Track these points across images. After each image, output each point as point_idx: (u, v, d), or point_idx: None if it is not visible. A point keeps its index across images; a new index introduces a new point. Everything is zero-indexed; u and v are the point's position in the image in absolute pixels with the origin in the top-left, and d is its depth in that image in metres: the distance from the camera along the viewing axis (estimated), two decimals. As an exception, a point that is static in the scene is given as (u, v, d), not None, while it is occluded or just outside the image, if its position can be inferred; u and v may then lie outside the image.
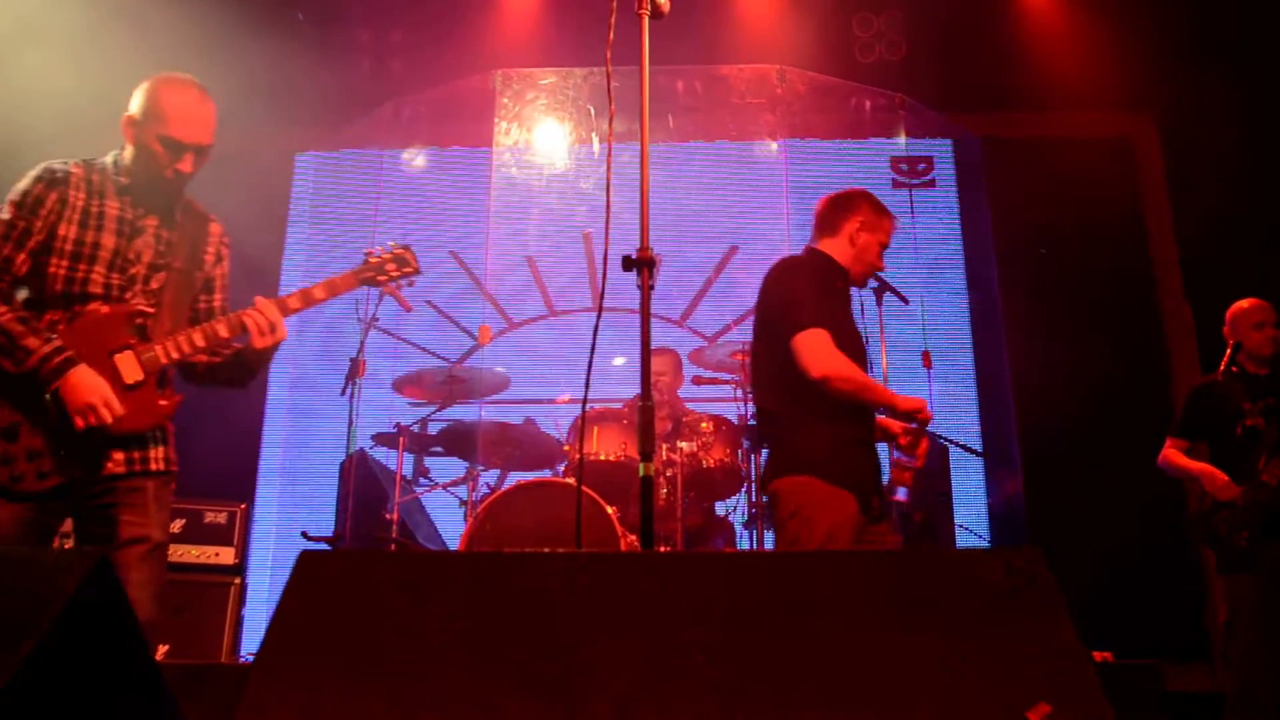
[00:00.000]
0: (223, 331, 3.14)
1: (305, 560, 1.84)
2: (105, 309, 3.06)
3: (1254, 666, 4.56)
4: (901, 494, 3.87)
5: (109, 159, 3.19)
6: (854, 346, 3.74)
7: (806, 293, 3.69)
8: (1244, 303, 5.01)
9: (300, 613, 1.77)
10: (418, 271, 3.56)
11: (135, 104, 3.14)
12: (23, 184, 3.04)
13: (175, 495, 3.25)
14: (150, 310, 3.12)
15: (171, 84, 3.16)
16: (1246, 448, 4.70)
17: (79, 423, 2.90)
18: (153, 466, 3.11)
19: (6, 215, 3.00)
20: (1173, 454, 4.95)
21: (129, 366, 3.03)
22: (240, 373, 3.34)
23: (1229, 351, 4.96)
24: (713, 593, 1.87)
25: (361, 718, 1.61)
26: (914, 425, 3.65)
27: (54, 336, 2.94)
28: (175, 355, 3.09)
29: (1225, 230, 6.70)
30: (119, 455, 3.04)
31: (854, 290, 4.05)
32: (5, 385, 2.92)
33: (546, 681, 1.69)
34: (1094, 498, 6.60)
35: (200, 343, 3.11)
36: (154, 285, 3.14)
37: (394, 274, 3.49)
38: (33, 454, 2.92)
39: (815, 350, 3.55)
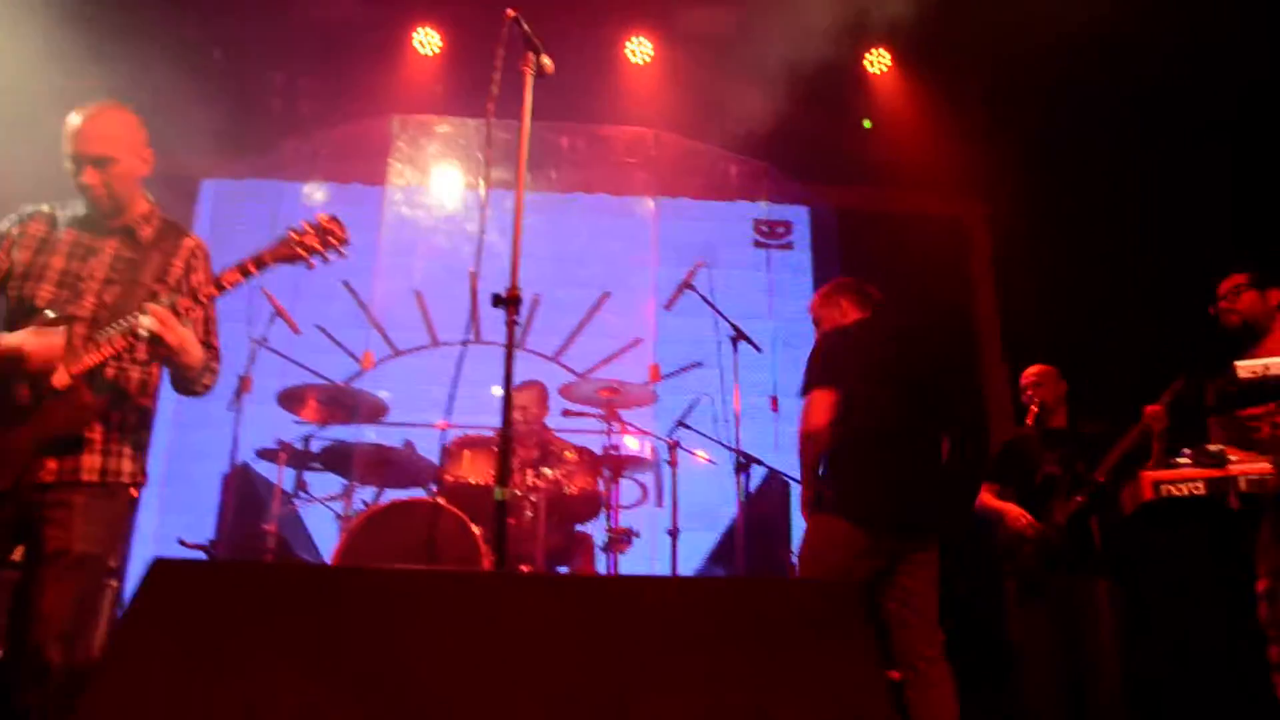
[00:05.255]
0: (128, 337, 3.02)
1: (157, 568, 1.76)
2: (40, 324, 2.99)
3: (1043, 690, 4.73)
4: None
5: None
6: None
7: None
8: (1031, 368, 5.30)
9: (147, 616, 1.70)
10: (345, 241, 3.34)
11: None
12: None
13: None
14: (84, 317, 3.04)
15: (77, 111, 3.17)
16: (1045, 492, 4.91)
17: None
18: (83, 478, 2.98)
19: None
20: (986, 497, 5.15)
21: (57, 374, 2.94)
22: (179, 380, 3.24)
23: (1034, 409, 5.17)
24: (545, 612, 1.85)
25: (190, 716, 1.55)
26: None
27: None
28: (95, 359, 2.98)
29: (1040, 301, 7.00)
30: (52, 464, 2.95)
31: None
32: None
33: (377, 690, 1.65)
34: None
35: (119, 344, 2.99)
36: (107, 299, 3.08)
37: (317, 246, 3.24)
38: None
39: None
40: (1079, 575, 4.77)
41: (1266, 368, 3.60)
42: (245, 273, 3.13)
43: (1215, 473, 3.57)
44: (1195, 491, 3.57)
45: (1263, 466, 3.53)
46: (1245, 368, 3.64)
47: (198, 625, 1.69)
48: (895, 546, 3.76)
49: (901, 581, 3.79)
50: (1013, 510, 4.95)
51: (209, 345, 3.30)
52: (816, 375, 3.92)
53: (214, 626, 1.70)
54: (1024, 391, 5.26)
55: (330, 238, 3.25)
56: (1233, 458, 3.61)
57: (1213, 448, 3.64)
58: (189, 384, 3.22)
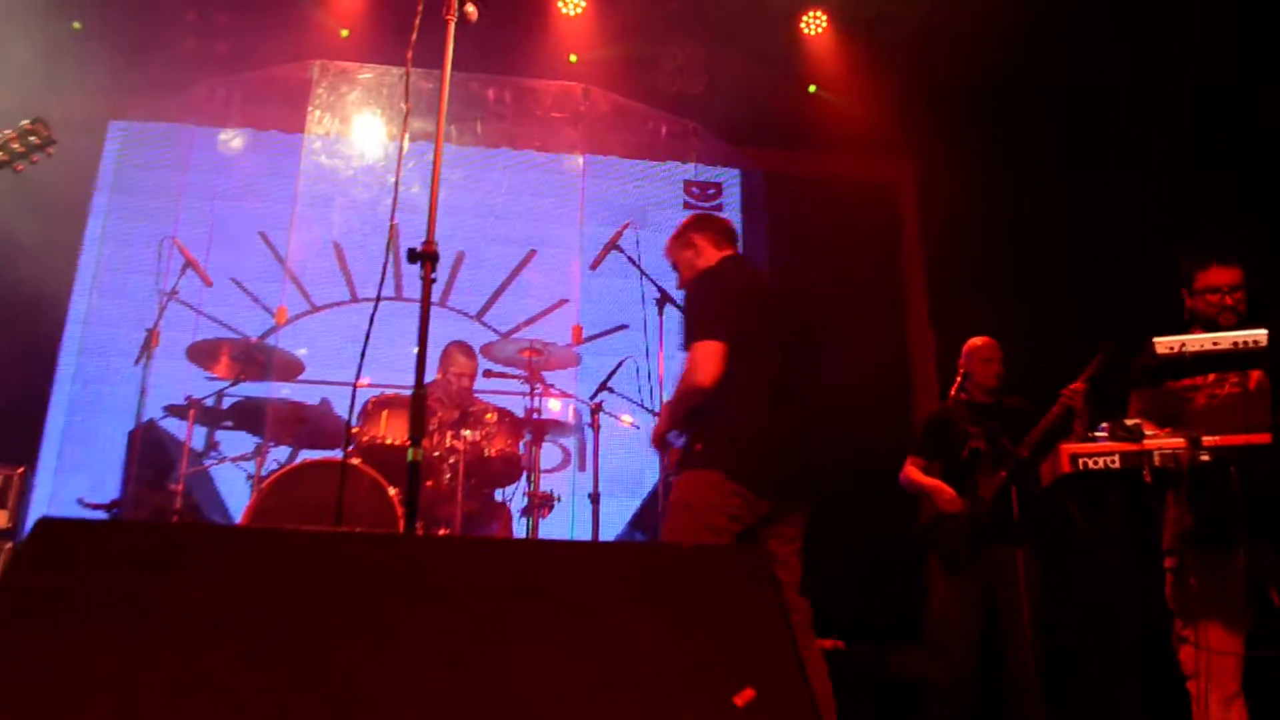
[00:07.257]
0: None
1: (41, 527, 1.69)
2: None
3: (963, 658, 4.82)
4: None
5: None
6: None
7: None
8: (977, 340, 5.29)
9: (31, 579, 1.63)
10: (51, 140, 3.14)
11: None
12: None
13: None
14: None
15: None
16: (971, 466, 4.97)
17: None
18: None
19: None
20: (912, 471, 5.19)
21: None
22: None
23: (959, 380, 5.23)
24: (451, 573, 1.82)
25: (82, 683, 1.49)
26: None
27: None
28: None
29: (967, 269, 7.08)
30: None
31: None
32: None
33: (278, 653, 1.60)
34: (836, 499, 6.80)
35: None
36: None
37: (21, 150, 3.08)
38: None
39: None
40: (999, 546, 4.85)
41: (1183, 344, 3.67)
42: None
43: (1131, 447, 3.63)
44: (1111, 465, 3.62)
45: (1177, 442, 3.60)
46: (1163, 344, 3.70)
47: (83, 589, 1.62)
48: (769, 508, 3.63)
49: (769, 546, 3.65)
50: (943, 490, 4.99)
51: None
52: (702, 325, 3.71)
53: (101, 590, 1.63)
54: (987, 363, 5.22)
55: (33, 138, 3.10)
56: (1149, 432, 3.67)
57: (1130, 422, 3.69)
58: None
